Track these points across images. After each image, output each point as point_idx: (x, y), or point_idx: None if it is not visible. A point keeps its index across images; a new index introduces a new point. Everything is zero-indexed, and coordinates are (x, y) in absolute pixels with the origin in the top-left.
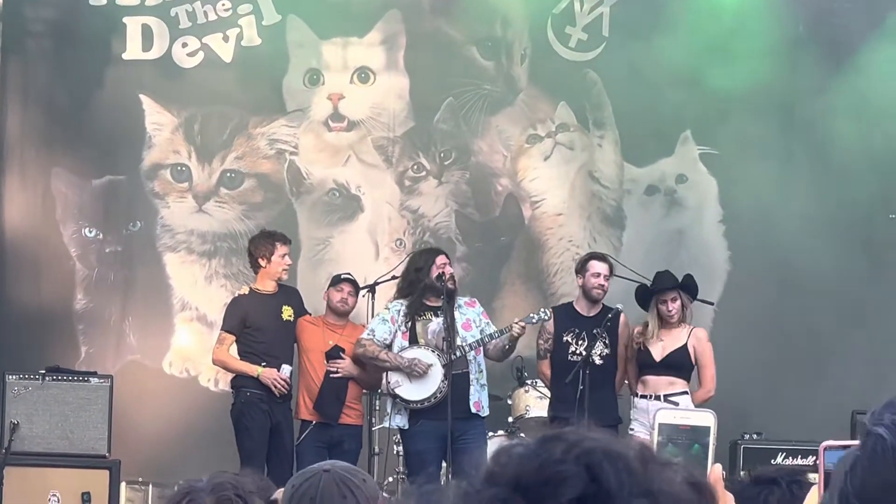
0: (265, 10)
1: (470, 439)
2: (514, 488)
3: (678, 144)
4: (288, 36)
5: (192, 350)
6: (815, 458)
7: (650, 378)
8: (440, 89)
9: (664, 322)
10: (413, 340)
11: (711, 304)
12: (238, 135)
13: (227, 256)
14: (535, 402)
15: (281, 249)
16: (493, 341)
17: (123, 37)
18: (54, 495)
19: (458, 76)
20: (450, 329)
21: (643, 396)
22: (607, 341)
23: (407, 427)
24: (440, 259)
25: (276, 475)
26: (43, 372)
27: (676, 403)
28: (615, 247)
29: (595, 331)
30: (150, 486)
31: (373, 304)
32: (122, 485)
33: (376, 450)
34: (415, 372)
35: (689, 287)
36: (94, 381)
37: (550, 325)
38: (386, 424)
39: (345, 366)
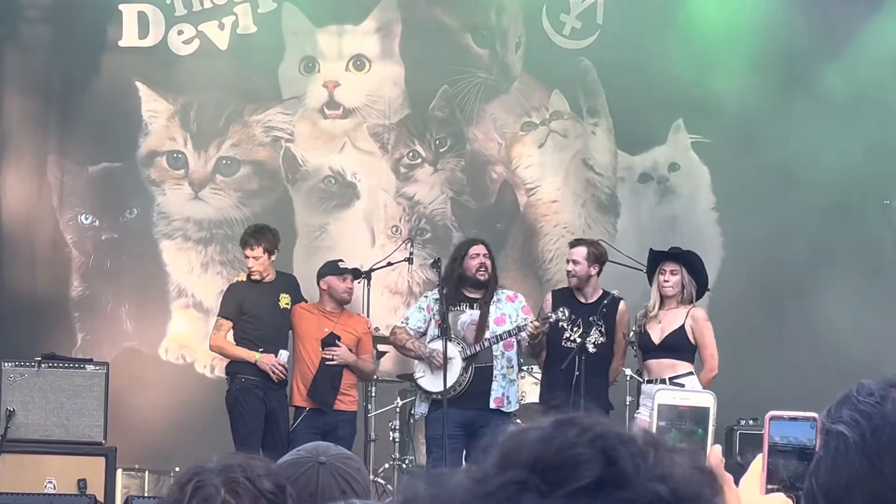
0: None
1: (488, 434)
2: (531, 470)
3: (670, 132)
4: (283, 24)
5: (188, 337)
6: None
7: (652, 363)
8: (435, 77)
9: (663, 299)
10: (445, 331)
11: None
12: (234, 122)
13: (223, 243)
14: (531, 388)
15: (249, 251)
16: (521, 337)
17: (119, 24)
18: (50, 482)
19: (453, 64)
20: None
21: (648, 381)
22: (603, 329)
23: (426, 414)
24: (473, 249)
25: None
26: (39, 359)
27: (682, 385)
28: (610, 233)
29: (591, 318)
30: (147, 472)
31: (368, 291)
32: (119, 472)
33: (372, 436)
34: (433, 363)
35: (690, 263)
36: (90, 368)
37: (548, 307)
38: (378, 411)
39: (340, 353)
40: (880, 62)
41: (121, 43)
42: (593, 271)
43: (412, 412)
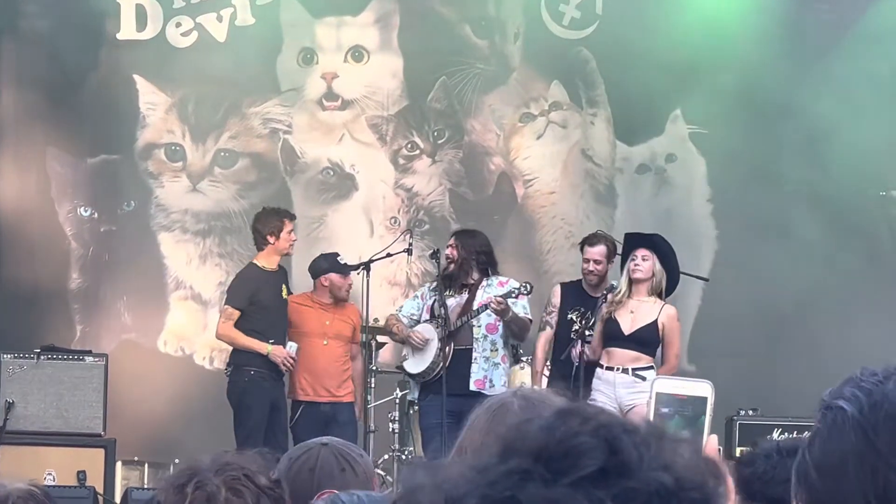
0: None
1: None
2: (535, 459)
3: (668, 123)
4: (281, 15)
5: (186, 329)
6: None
7: (616, 350)
8: (434, 68)
9: (632, 285)
10: (436, 316)
11: (706, 279)
12: (232, 114)
13: (221, 235)
14: (530, 379)
15: (288, 226)
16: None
17: (117, 17)
18: (50, 474)
19: (451, 55)
20: (443, 306)
21: (608, 368)
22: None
23: (417, 401)
24: (451, 240)
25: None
26: (38, 351)
27: (644, 378)
28: (607, 225)
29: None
30: (146, 464)
31: (367, 282)
32: (118, 463)
33: (372, 427)
34: (410, 343)
35: (663, 252)
36: (89, 359)
37: (556, 300)
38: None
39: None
40: (871, 59)
41: (119, 35)
42: (610, 268)
43: (412, 401)
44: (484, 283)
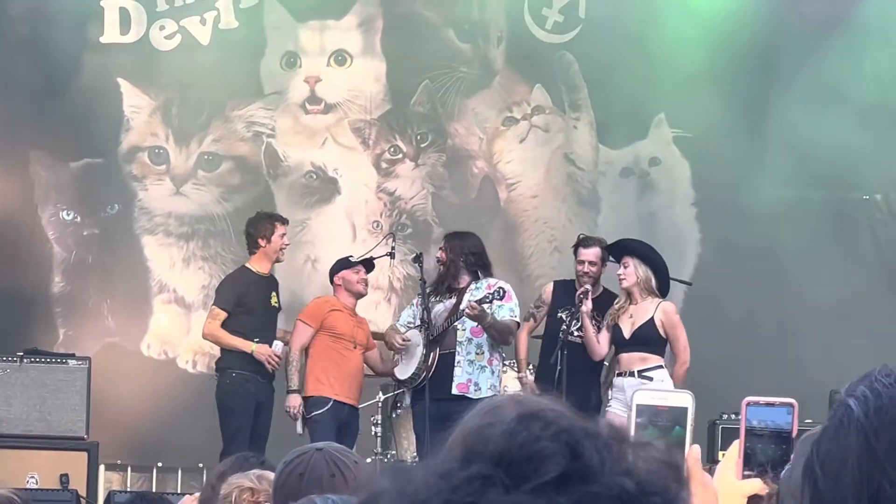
0: None
1: (456, 422)
2: (496, 465)
3: (652, 127)
4: (265, 19)
5: (170, 332)
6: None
7: (623, 356)
8: (417, 72)
9: (630, 294)
10: (423, 322)
11: (689, 283)
12: (215, 117)
13: (204, 239)
14: (512, 382)
15: (280, 229)
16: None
17: (101, 20)
18: (32, 477)
19: (434, 59)
20: (426, 310)
21: (619, 374)
22: (602, 325)
23: (411, 406)
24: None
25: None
26: (21, 354)
27: (650, 378)
28: (590, 229)
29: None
30: (129, 467)
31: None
32: (101, 467)
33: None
34: (394, 347)
35: (639, 253)
36: (71, 363)
37: (547, 297)
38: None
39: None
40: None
41: (102, 39)
42: (604, 270)
43: (397, 404)
44: (472, 286)
